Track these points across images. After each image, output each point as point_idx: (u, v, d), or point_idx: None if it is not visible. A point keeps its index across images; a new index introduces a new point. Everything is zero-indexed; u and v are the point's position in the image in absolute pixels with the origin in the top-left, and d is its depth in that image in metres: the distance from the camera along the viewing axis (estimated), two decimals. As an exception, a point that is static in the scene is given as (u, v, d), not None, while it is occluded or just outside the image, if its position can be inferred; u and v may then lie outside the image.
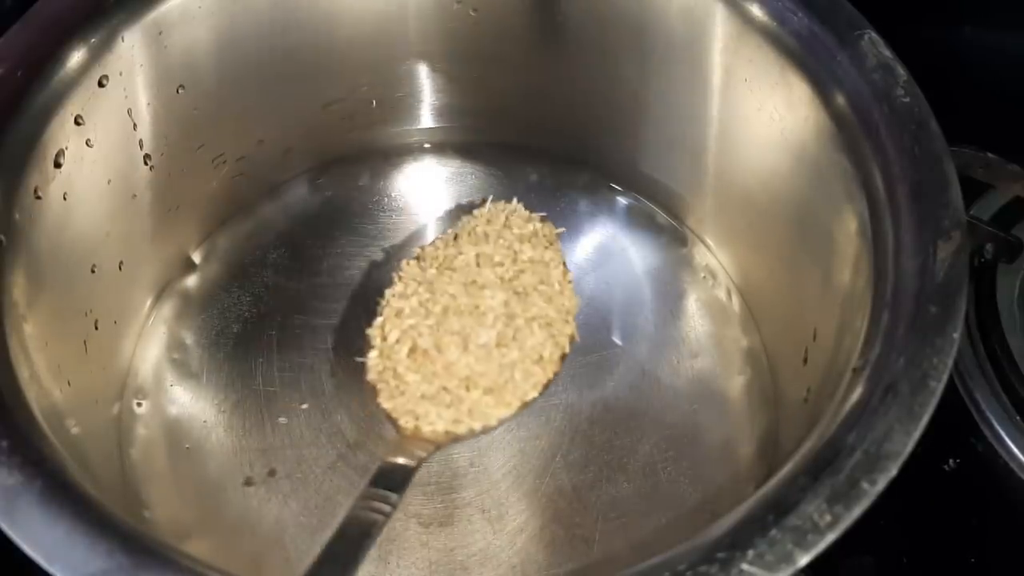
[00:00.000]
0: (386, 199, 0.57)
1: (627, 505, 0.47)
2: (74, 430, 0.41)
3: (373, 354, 0.43)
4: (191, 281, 0.54)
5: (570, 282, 0.46)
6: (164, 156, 0.49)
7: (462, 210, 0.55)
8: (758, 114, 0.47)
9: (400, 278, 0.45)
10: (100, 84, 0.44)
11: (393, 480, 0.39)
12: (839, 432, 0.34)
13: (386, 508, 0.38)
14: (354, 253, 0.55)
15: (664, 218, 0.56)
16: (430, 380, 0.42)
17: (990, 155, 0.53)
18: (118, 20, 0.45)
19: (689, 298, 0.53)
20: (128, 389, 0.50)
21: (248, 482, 0.47)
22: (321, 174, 0.58)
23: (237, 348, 0.51)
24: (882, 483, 0.33)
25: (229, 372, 0.51)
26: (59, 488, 0.33)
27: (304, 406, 0.50)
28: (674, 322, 0.53)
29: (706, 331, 0.52)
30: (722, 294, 0.54)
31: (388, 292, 0.45)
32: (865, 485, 0.32)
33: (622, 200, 0.57)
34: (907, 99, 0.41)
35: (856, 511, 0.32)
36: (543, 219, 0.47)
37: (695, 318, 0.53)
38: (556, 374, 0.44)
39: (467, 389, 0.42)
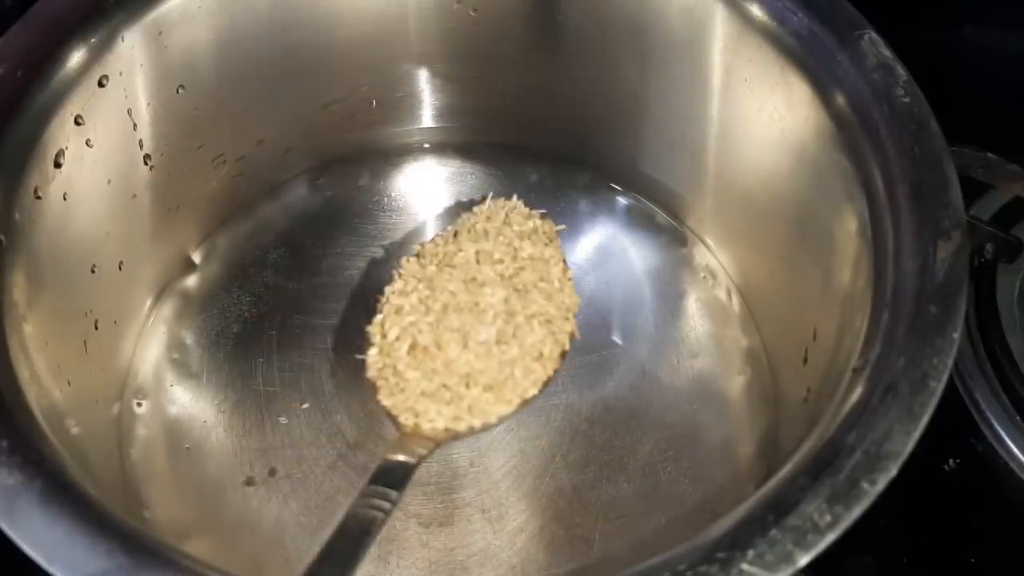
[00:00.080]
0: (386, 199, 0.57)
1: (627, 505, 0.47)
2: (74, 430, 0.41)
3: (373, 351, 0.43)
4: (191, 281, 0.54)
5: (570, 279, 0.46)
6: (164, 156, 0.49)
7: (462, 209, 0.55)
8: (758, 114, 0.47)
9: (400, 275, 0.45)
10: (100, 84, 0.44)
11: (393, 478, 0.39)
12: (839, 432, 0.34)
13: (386, 506, 0.38)
14: (354, 253, 0.55)
15: (664, 218, 0.56)
16: (430, 377, 0.42)
17: (990, 155, 0.53)
18: (118, 20, 0.45)
19: (689, 298, 0.53)
20: (128, 389, 0.50)
21: (248, 482, 0.47)
22: (321, 174, 0.58)
23: (237, 348, 0.51)
24: (882, 483, 0.33)
25: (229, 372, 0.51)
26: (59, 488, 0.33)
27: (304, 406, 0.50)
28: (674, 322, 0.53)
29: (706, 331, 0.52)
30: (722, 294, 0.54)
31: (388, 289, 0.45)
32: (865, 485, 0.32)
33: (622, 200, 0.57)
34: (907, 99, 0.41)
35: (856, 511, 0.32)
36: (543, 216, 0.47)
37: (695, 318, 0.53)
38: (556, 371, 0.44)
39: (467, 386, 0.42)
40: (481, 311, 0.43)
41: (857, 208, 0.41)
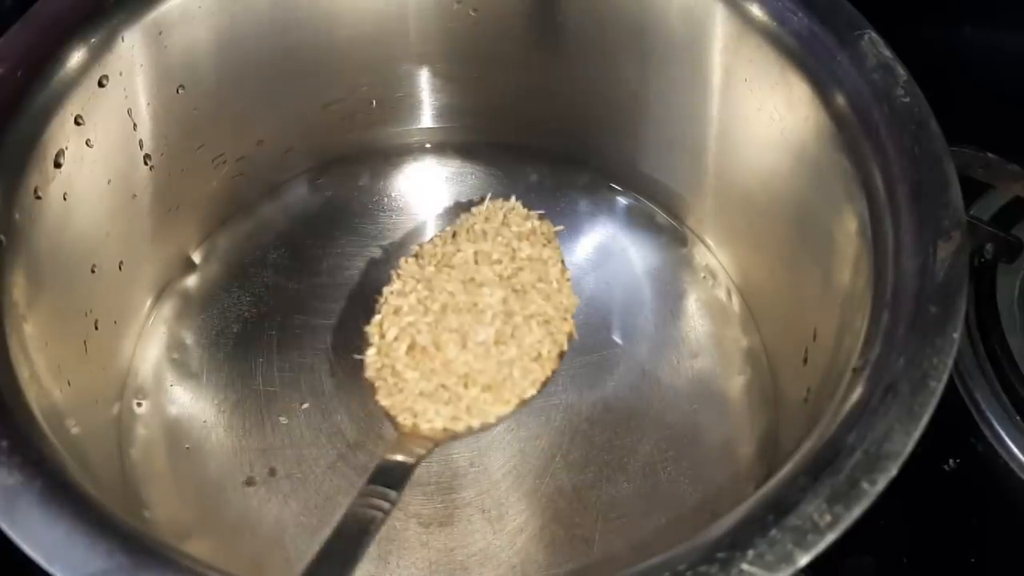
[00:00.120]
0: (386, 199, 0.57)
1: (627, 505, 0.47)
2: (74, 430, 0.41)
3: (371, 351, 0.43)
4: (191, 281, 0.54)
5: (568, 280, 0.46)
6: (164, 156, 0.49)
7: (462, 209, 0.55)
8: (758, 114, 0.47)
9: (398, 276, 0.45)
10: (100, 84, 0.44)
11: (392, 477, 0.39)
12: (839, 432, 0.34)
13: (385, 505, 0.38)
14: (354, 253, 0.55)
15: (664, 218, 0.56)
16: (428, 377, 0.42)
17: (990, 155, 0.53)
18: (118, 20, 0.45)
19: (689, 298, 0.53)
20: (128, 389, 0.50)
21: (248, 482, 0.47)
22: (321, 174, 0.58)
23: (237, 348, 0.51)
24: (882, 483, 0.33)
25: (229, 372, 0.51)
26: (59, 488, 0.33)
27: (304, 406, 0.50)
28: (674, 322, 0.53)
29: (706, 331, 0.52)
30: (722, 294, 0.54)
31: (386, 290, 0.45)
32: (865, 485, 0.32)
33: (622, 200, 0.57)
34: (907, 99, 0.41)
35: (856, 511, 0.32)
36: (541, 217, 0.47)
37: (695, 318, 0.53)
38: (554, 372, 0.44)
39: (465, 386, 0.42)
40: (479, 311, 0.43)
41: (857, 208, 0.41)
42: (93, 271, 0.46)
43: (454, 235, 0.46)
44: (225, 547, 0.46)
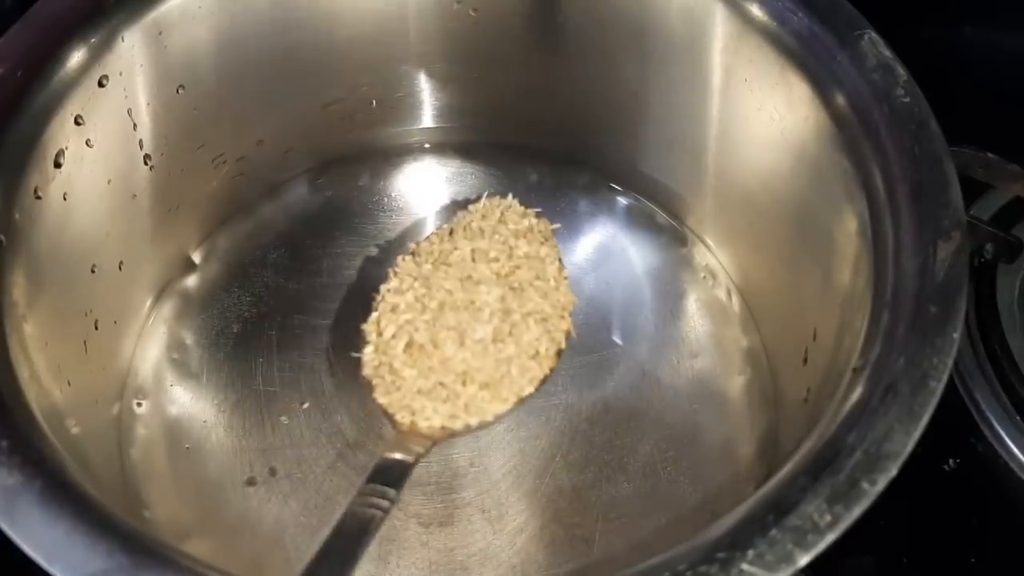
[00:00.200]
0: (386, 199, 0.57)
1: (627, 505, 0.47)
2: (74, 430, 0.41)
3: (369, 349, 0.43)
4: (191, 281, 0.54)
5: (566, 278, 0.46)
6: (164, 156, 0.49)
7: (462, 209, 0.55)
8: (758, 114, 0.47)
9: (395, 273, 0.45)
10: (100, 84, 0.44)
11: (391, 476, 0.39)
12: (839, 432, 0.34)
13: (384, 504, 0.38)
14: (354, 253, 0.55)
15: (664, 218, 0.56)
16: (426, 375, 0.42)
17: (990, 155, 0.53)
18: (118, 20, 0.45)
19: (689, 298, 0.53)
20: (128, 389, 0.50)
21: (248, 482, 0.47)
22: (321, 174, 0.58)
23: (237, 348, 0.51)
24: (882, 483, 0.33)
25: (229, 372, 0.51)
26: (59, 488, 0.33)
27: (304, 406, 0.50)
28: (674, 322, 0.53)
29: (706, 331, 0.52)
30: (722, 294, 0.54)
31: (383, 288, 0.45)
32: (865, 485, 0.32)
33: (622, 200, 0.57)
34: (907, 99, 0.41)
35: (856, 511, 0.32)
36: (538, 215, 0.47)
37: (695, 318, 0.53)
38: (552, 370, 0.44)
39: (463, 384, 0.42)
40: (477, 309, 0.43)
41: (857, 208, 0.41)
42: (93, 271, 0.46)
43: (451, 233, 0.46)
44: (225, 547, 0.46)
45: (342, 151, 0.57)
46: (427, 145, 0.59)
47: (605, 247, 0.55)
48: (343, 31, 0.52)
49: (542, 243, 0.46)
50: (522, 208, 0.47)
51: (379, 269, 0.54)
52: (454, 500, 0.47)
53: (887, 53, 0.42)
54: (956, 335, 0.35)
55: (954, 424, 0.48)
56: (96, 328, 0.46)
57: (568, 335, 0.44)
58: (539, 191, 0.56)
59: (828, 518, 0.32)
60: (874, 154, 0.41)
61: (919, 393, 0.34)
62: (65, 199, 0.43)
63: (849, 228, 0.42)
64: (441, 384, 0.42)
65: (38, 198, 0.41)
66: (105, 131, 0.45)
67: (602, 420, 0.49)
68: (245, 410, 0.49)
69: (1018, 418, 0.48)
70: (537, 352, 0.43)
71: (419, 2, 0.52)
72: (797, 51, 0.44)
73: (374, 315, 0.44)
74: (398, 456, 0.40)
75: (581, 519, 0.47)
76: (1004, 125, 0.55)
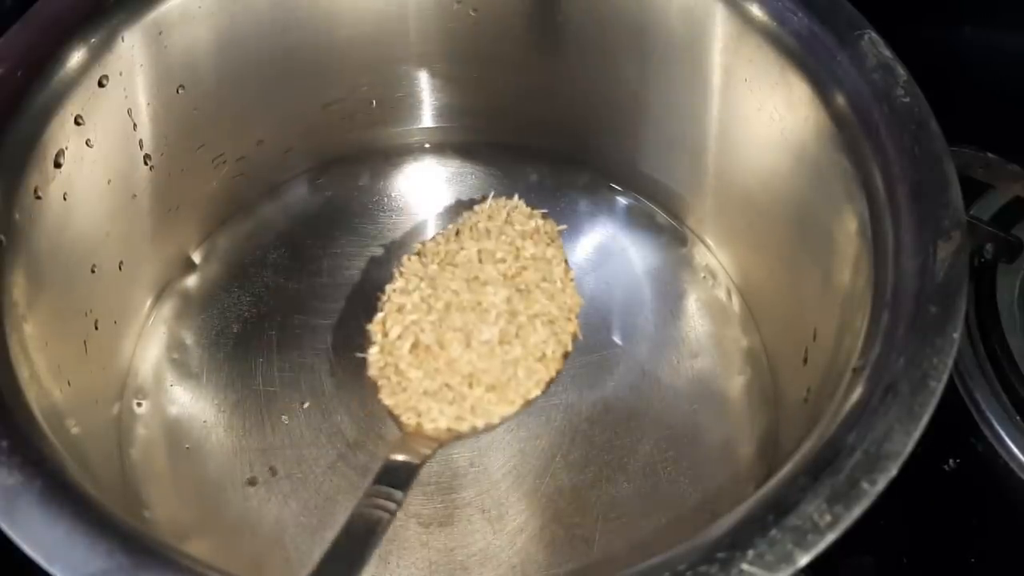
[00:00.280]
0: (386, 199, 0.57)
1: (627, 505, 0.47)
2: (74, 430, 0.41)
3: (374, 350, 0.43)
4: (191, 281, 0.54)
5: (572, 280, 0.46)
6: (164, 156, 0.49)
7: (462, 209, 0.55)
8: (758, 114, 0.47)
9: (401, 273, 0.45)
10: (100, 84, 0.44)
11: (397, 477, 0.39)
12: (839, 432, 0.34)
13: (391, 506, 0.38)
14: (354, 253, 0.55)
15: (664, 218, 0.56)
16: (432, 376, 0.42)
17: (990, 155, 0.53)
18: (118, 20, 0.45)
19: (689, 298, 0.53)
20: (128, 389, 0.50)
21: (248, 482, 0.47)
22: (321, 174, 0.58)
23: (237, 348, 0.51)
24: (882, 483, 0.33)
25: (229, 372, 0.51)
26: (59, 488, 0.33)
27: (304, 405, 0.50)
28: (674, 322, 0.53)
29: (706, 331, 0.52)
30: (722, 294, 0.54)
31: (389, 288, 0.44)
32: (865, 485, 0.32)
33: (622, 200, 0.57)
34: (907, 99, 0.41)
35: (856, 511, 0.32)
36: (544, 216, 0.47)
37: (695, 318, 0.53)
38: (559, 372, 0.44)
39: (470, 386, 0.42)
40: (484, 310, 0.43)
41: (857, 208, 0.41)
42: (93, 271, 0.46)
43: (457, 233, 0.46)
44: (225, 547, 0.46)
45: (342, 151, 0.57)
46: (427, 145, 0.59)
47: (605, 247, 0.55)
48: (343, 31, 0.52)
49: (548, 244, 0.46)
50: (528, 209, 0.47)
51: (379, 269, 0.54)
52: (454, 500, 0.47)
53: (887, 53, 0.42)
54: (956, 335, 0.35)
55: (954, 424, 0.48)
56: (96, 328, 0.46)
57: (575, 338, 0.44)
58: (539, 191, 0.56)
59: (828, 518, 0.32)
60: (874, 154, 0.41)
61: (919, 393, 0.34)
62: (65, 199, 0.43)
63: (849, 228, 0.42)
64: (447, 386, 0.41)
65: (38, 198, 0.41)
66: (105, 131, 0.45)
67: (602, 420, 0.49)
68: (245, 410, 0.49)
69: (1018, 418, 0.48)
70: (544, 354, 0.43)
71: (419, 2, 0.52)
72: (797, 51, 0.44)
73: (380, 315, 0.44)
74: (404, 458, 0.40)
75: (581, 519, 0.47)
76: (1004, 125, 0.55)
